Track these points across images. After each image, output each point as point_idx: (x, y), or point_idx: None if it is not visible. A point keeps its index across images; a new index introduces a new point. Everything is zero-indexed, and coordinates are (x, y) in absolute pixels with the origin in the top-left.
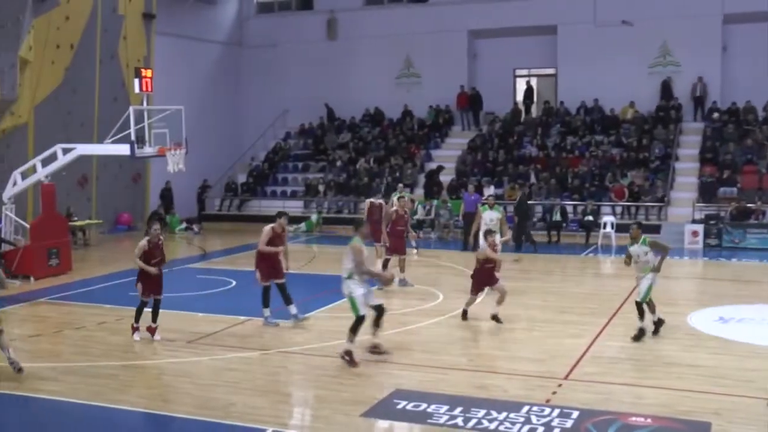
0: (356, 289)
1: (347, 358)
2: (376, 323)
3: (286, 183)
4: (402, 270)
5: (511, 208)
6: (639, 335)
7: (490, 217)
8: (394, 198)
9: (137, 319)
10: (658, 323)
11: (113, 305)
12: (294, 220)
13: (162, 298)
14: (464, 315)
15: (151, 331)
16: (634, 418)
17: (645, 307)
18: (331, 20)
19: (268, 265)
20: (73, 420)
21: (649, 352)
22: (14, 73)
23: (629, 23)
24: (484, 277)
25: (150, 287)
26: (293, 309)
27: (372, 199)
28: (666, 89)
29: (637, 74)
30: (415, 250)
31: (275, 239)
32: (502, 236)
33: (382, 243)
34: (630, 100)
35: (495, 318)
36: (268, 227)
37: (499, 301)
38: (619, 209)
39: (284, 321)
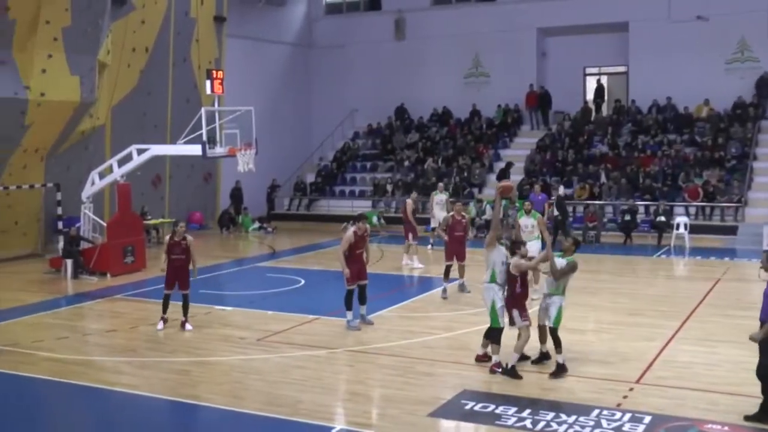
0: (498, 298)
1: (499, 370)
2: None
3: (355, 183)
4: (461, 275)
5: (580, 209)
6: (557, 372)
7: (525, 223)
8: (434, 196)
9: (164, 309)
10: (544, 356)
11: None
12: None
13: (189, 293)
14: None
15: (182, 324)
16: (710, 425)
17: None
18: (399, 20)
19: (357, 268)
20: (148, 413)
21: (725, 358)
22: (93, 76)
23: (705, 18)
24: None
25: (171, 280)
26: (364, 309)
27: (408, 198)
28: (764, 85)
29: (712, 71)
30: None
31: (359, 242)
32: (543, 244)
33: (415, 240)
34: (705, 98)
35: (508, 371)
36: (350, 231)
37: (518, 348)
38: (692, 210)
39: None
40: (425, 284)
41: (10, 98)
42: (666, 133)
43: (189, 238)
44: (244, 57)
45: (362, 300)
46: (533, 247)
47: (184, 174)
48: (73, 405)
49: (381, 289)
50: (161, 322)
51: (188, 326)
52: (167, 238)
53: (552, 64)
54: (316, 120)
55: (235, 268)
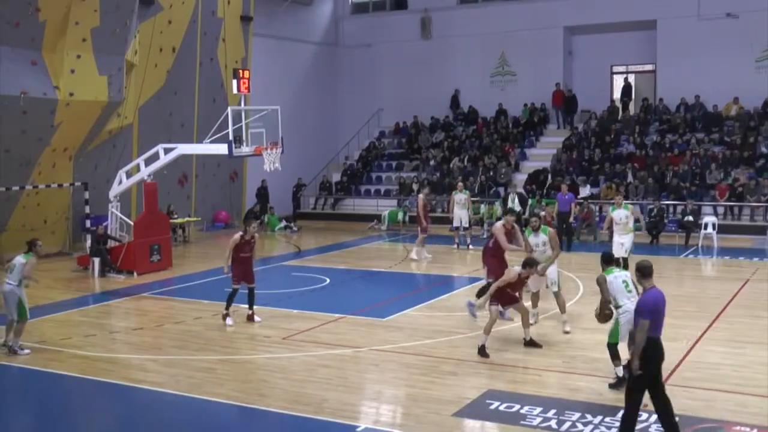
0: None
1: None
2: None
3: (380, 182)
4: None
5: (608, 208)
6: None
7: (534, 242)
8: (454, 195)
9: (228, 305)
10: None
11: (211, 301)
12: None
13: (255, 286)
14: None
15: (251, 317)
16: (738, 428)
17: None
18: (425, 19)
19: (500, 263)
20: (174, 411)
21: (754, 359)
22: (121, 76)
23: (734, 15)
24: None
25: (240, 276)
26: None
27: (421, 195)
28: None
29: (742, 69)
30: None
31: (510, 235)
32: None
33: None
34: (734, 96)
35: (531, 343)
36: (500, 225)
37: (525, 323)
38: (721, 210)
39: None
40: (450, 284)
41: (40, 98)
42: (694, 132)
43: (256, 235)
44: (270, 56)
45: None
46: (552, 268)
47: (210, 173)
48: (100, 402)
49: (406, 288)
50: (229, 318)
51: (257, 318)
52: (237, 236)
53: (579, 63)
54: (342, 119)
55: (260, 267)
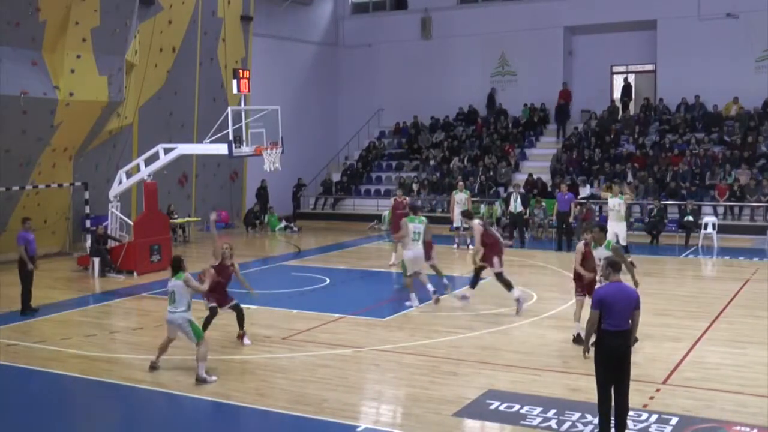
0: None
1: None
2: None
3: (380, 182)
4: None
5: (605, 207)
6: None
7: (598, 255)
8: (454, 195)
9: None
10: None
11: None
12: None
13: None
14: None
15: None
16: (738, 428)
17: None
18: (425, 19)
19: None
20: (174, 411)
21: (755, 359)
22: (121, 76)
23: (734, 15)
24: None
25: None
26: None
27: (396, 196)
28: None
29: (742, 69)
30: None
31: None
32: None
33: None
34: (734, 96)
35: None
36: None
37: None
38: (721, 210)
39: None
40: (450, 284)
41: (40, 98)
42: (694, 132)
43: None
44: (270, 56)
45: None
46: None
47: (210, 173)
48: (100, 402)
49: (406, 288)
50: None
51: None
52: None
53: (579, 63)
54: (342, 119)
55: (260, 267)
